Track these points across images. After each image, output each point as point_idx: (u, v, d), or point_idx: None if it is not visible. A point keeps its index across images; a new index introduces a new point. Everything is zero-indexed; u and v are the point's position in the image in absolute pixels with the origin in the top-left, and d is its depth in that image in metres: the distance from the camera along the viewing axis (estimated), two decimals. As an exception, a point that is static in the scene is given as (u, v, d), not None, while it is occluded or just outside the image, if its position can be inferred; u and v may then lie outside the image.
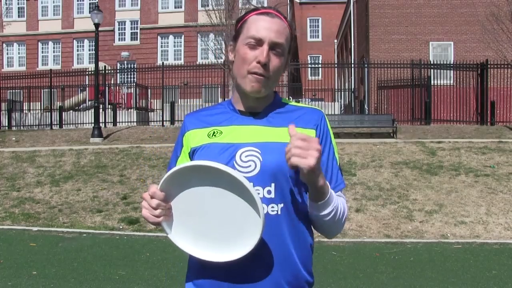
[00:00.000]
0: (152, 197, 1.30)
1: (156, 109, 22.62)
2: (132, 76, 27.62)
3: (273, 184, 1.37)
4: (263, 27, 1.40)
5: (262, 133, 1.43)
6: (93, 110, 16.13)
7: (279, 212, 1.37)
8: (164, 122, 18.45)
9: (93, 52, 23.14)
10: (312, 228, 1.47)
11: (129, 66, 26.15)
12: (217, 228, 1.31)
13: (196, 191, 1.30)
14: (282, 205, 1.37)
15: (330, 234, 1.46)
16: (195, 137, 1.48)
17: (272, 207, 1.36)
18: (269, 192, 1.36)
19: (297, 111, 1.49)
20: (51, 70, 21.16)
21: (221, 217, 1.30)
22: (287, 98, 1.60)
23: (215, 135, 1.45)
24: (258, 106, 1.48)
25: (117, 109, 19.55)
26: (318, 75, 38.02)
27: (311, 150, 1.23)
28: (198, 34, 29.38)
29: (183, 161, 1.49)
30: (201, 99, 22.67)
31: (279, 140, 1.40)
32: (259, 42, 1.40)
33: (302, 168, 1.23)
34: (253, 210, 1.26)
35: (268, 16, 1.42)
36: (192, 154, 1.47)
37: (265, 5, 31.71)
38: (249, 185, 1.24)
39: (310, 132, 1.44)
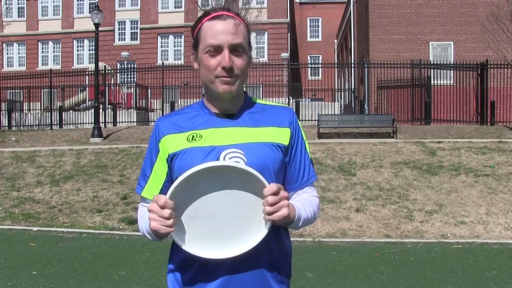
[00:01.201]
0: (162, 207, 1.29)
1: (156, 109, 22.60)
2: (132, 76, 27.62)
3: None
4: (218, 32, 1.42)
5: (242, 135, 1.46)
6: (93, 110, 16.12)
7: None
8: (164, 122, 18.40)
9: (93, 52, 23.14)
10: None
11: (129, 66, 26.11)
12: (225, 225, 1.34)
13: (204, 193, 1.32)
14: None
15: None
16: (173, 142, 1.47)
17: None
18: None
19: (270, 110, 1.55)
20: (51, 70, 21.16)
21: (229, 214, 1.33)
22: (256, 97, 1.63)
23: (195, 139, 1.46)
24: (232, 108, 1.51)
25: (117, 109, 19.52)
26: (318, 75, 37.99)
27: (282, 201, 1.31)
28: (198, 34, 29.36)
29: (160, 167, 1.50)
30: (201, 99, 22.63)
31: (259, 140, 1.46)
32: (218, 49, 1.42)
33: (279, 220, 1.32)
34: (261, 201, 1.31)
35: (220, 19, 1.43)
36: (171, 160, 1.47)
37: (265, 4, 31.89)
38: (261, 176, 1.30)
39: (285, 130, 1.51)
